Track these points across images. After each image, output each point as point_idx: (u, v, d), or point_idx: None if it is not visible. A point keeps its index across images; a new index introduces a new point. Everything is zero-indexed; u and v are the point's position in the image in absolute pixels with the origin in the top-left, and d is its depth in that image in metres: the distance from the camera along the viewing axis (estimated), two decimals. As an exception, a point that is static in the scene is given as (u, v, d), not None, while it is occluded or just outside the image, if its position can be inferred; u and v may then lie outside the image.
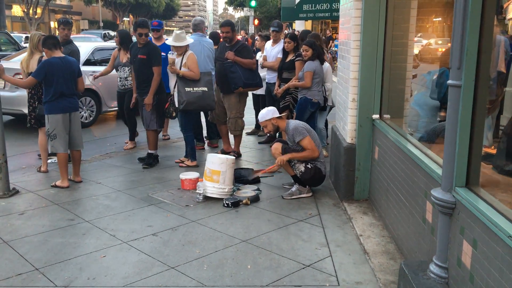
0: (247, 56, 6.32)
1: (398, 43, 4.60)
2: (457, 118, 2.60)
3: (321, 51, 6.16)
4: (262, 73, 7.61)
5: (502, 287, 2.15)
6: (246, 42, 22.32)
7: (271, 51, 7.48)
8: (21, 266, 3.60)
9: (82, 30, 41.19)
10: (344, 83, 5.19)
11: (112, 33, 34.12)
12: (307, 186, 5.10)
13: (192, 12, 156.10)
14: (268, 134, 7.62)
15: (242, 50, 6.29)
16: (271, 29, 7.58)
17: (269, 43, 7.67)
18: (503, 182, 3.03)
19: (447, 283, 2.71)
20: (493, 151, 3.36)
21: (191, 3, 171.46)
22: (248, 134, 8.21)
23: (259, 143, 7.61)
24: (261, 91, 7.75)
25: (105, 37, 30.72)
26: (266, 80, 7.49)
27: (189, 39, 6.21)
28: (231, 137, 6.82)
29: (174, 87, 6.04)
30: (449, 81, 2.60)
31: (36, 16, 40.59)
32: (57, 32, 7.24)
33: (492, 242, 2.25)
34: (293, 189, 5.11)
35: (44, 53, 5.47)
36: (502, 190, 2.90)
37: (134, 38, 6.78)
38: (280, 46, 7.35)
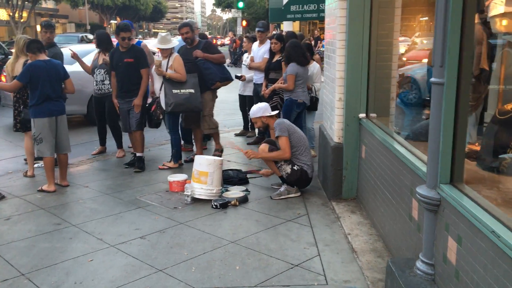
0: (215, 52, 6.36)
1: (383, 42, 4.63)
2: (440, 116, 2.62)
3: (303, 53, 6.15)
4: (250, 74, 7.62)
5: (487, 282, 2.17)
6: (234, 44, 22.30)
7: (258, 51, 7.50)
8: (7, 272, 3.56)
9: (62, 33, 40.17)
10: (330, 83, 5.20)
11: (91, 36, 33.41)
12: (295, 186, 5.11)
13: (180, 14, 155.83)
14: (257, 135, 7.66)
15: (208, 47, 6.33)
16: (256, 29, 7.61)
17: (255, 44, 7.69)
18: (487, 179, 3.06)
19: (434, 280, 2.73)
20: (477, 148, 3.39)
21: (179, 5, 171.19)
22: (236, 135, 8.21)
23: (248, 144, 7.60)
24: (248, 92, 7.76)
25: (83, 40, 30.01)
26: (254, 81, 7.50)
27: (175, 41, 6.19)
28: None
29: (160, 90, 6.02)
30: (432, 79, 2.62)
31: (22, 20, 40.25)
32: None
33: (476, 238, 2.27)
34: (282, 189, 5.12)
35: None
36: (486, 186, 2.93)
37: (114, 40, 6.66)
38: (266, 46, 7.36)
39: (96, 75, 6.76)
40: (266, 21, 8.17)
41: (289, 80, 6.11)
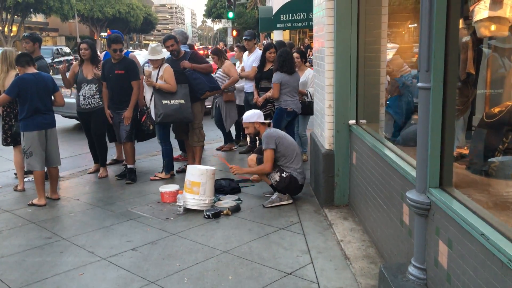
0: (202, 62, 6.35)
1: (371, 48, 4.66)
2: (428, 120, 2.63)
3: (288, 61, 6.19)
4: (240, 83, 7.65)
5: (477, 284, 2.17)
6: (225, 53, 22.37)
7: (247, 60, 7.55)
8: (-3, 287, 3.51)
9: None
10: (320, 90, 5.23)
11: (67, 49, 31.79)
12: (287, 193, 5.10)
13: (171, 25, 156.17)
14: (248, 145, 7.67)
15: (195, 58, 6.32)
16: (243, 38, 7.74)
17: (246, 54, 7.75)
18: (476, 182, 3.08)
19: (426, 284, 2.73)
20: (466, 151, 3.41)
21: (169, 17, 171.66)
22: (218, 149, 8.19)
23: (240, 153, 7.60)
24: (239, 102, 7.79)
25: (58, 53, 27.94)
26: (244, 90, 7.52)
27: (165, 52, 6.20)
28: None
29: (150, 100, 6.01)
30: (419, 84, 2.64)
31: (12, 34, 40.17)
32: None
33: (466, 241, 2.28)
34: (274, 197, 5.11)
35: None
36: (475, 189, 2.95)
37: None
38: (254, 55, 7.41)
39: (85, 89, 6.30)
40: (253, 30, 8.25)
41: (274, 88, 6.20)
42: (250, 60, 7.47)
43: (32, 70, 5.27)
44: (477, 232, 2.16)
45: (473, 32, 3.53)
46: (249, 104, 7.36)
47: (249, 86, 7.40)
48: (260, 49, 7.72)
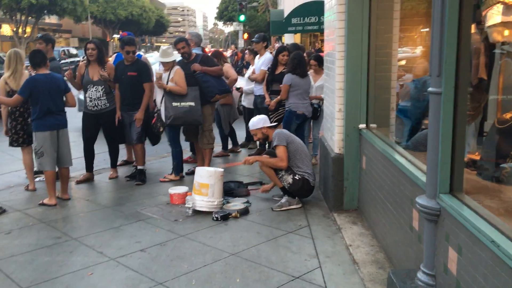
0: (212, 64, 6.33)
1: (382, 53, 4.65)
2: (439, 125, 2.61)
3: (300, 64, 6.20)
4: (250, 85, 7.68)
5: (487, 292, 2.15)
6: (236, 57, 22.45)
7: (257, 63, 7.58)
8: (7, 286, 3.54)
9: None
10: (330, 94, 5.22)
11: (74, 51, 31.48)
12: (296, 198, 5.09)
13: (182, 28, 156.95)
14: (258, 147, 7.66)
15: (206, 61, 6.31)
16: (252, 40, 7.82)
17: (258, 57, 7.78)
18: (487, 188, 3.05)
19: (435, 291, 2.70)
20: (477, 157, 3.38)
21: (181, 19, 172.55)
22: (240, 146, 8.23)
23: (249, 155, 7.59)
24: (248, 104, 7.82)
25: (64, 55, 27.90)
26: (254, 93, 7.55)
27: (176, 55, 6.23)
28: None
29: (161, 102, 6.04)
30: (430, 89, 2.62)
31: (25, 35, 40.61)
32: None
33: (476, 247, 2.25)
34: (283, 200, 5.10)
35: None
36: (486, 196, 2.92)
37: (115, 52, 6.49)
38: (263, 58, 7.43)
39: (91, 91, 6.19)
40: (263, 33, 8.26)
41: (282, 89, 6.23)
42: (260, 63, 7.49)
43: (44, 70, 5.32)
44: (487, 239, 2.14)
45: (485, 37, 3.50)
46: (258, 107, 7.39)
47: (258, 89, 7.42)
48: (271, 52, 7.75)
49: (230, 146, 7.94)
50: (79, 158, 6.68)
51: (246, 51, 9.25)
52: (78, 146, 6.97)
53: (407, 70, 6.01)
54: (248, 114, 7.86)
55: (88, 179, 6.38)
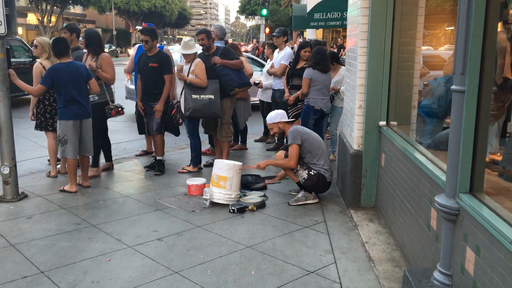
0: (233, 58, 6.31)
1: (405, 50, 4.59)
2: (461, 124, 2.58)
3: (323, 60, 6.18)
4: (269, 80, 7.68)
5: (505, 294, 2.12)
6: (257, 51, 22.45)
7: (277, 58, 7.57)
8: (27, 269, 3.63)
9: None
10: (351, 90, 5.18)
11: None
12: (313, 193, 5.09)
13: (204, 21, 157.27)
14: (276, 142, 7.67)
15: (226, 54, 6.29)
16: (272, 35, 7.82)
17: (276, 51, 7.76)
18: (508, 189, 3.00)
19: (451, 291, 2.68)
20: (499, 158, 3.33)
21: (203, 12, 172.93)
22: (256, 141, 8.24)
23: (267, 150, 7.62)
24: (266, 99, 7.82)
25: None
26: (272, 87, 7.55)
27: (198, 47, 6.25)
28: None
29: (181, 94, 6.08)
30: (453, 87, 2.59)
31: (50, 24, 41.24)
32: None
33: (495, 248, 2.23)
34: (299, 195, 5.10)
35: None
36: (507, 197, 2.87)
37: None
38: (284, 52, 7.42)
39: None
40: (283, 28, 8.23)
41: (303, 83, 6.25)
42: (279, 57, 7.48)
43: (66, 59, 5.37)
44: (506, 240, 2.11)
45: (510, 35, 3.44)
46: (276, 102, 7.39)
47: (276, 83, 7.41)
48: (292, 47, 7.73)
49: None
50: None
51: (266, 45, 9.23)
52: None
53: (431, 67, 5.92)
54: (266, 108, 7.87)
55: (109, 168, 6.47)
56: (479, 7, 2.47)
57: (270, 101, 7.70)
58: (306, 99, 6.32)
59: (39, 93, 5.55)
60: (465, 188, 2.63)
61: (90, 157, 6.01)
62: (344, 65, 6.88)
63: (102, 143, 6.25)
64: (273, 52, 7.91)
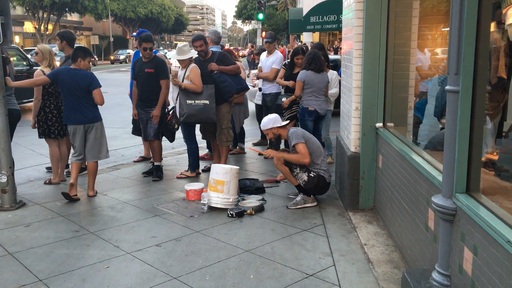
0: (229, 63, 6.29)
1: (400, 51, 4.61)
2: (456, 124, 2.58)
3: (316, 61, 6.19)
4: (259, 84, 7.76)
5: (502, 293, 2.12)
6: (252, 55, 22.49)
7: (266, 61, 7.58)
8: (25, 277, 3.61)
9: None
10: (347, 92, 5.19)
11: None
12: (311, 196, 5.09)
13: (201, 26, 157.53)
14: (268, 146, 7.68)
15: (223, 59, 6.27)
16: (264, 40, 7.85)
17: (263, 54, 7.79)
18: (505, 189, 3.00)
19: (450, 291, 2.68)
20: (495, 157, 3.33)
21: (200, 17, 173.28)
22: (254, 144, 8.25)
23: (259, 154, 7.61)
24: (259, 101, 7.87)
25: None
26: (262, 91, 7.57)
27: (193, 52, 6.25)
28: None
29: (176, 99, 6.08)
30: (447, 87, 2.60)
31: (47, 32, 41.30)
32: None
33: (492, 248, 2.23)
34: (298, 198, 5.10)
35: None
36: (503, 196, 2.87)
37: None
38: (274, 56, 7.45)
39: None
40: (273, 33, 8.31)
41: (296, 86, 6.28)
42: (269, 61, 7.50)
43: (74, 66, 5.38)
44: (503, 239, 2.11)
45: (506, 36, 3.44)
46: (267, 105, 7.43)
47: (266, 88, 7.44)
48: (288, 50, 7.76)
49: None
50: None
51: (252, 55, 9.34)
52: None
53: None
54: (259, 111, 7.94)
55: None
56: (472, 7, 2.48)
57: (260, 103, 7.80)
58: (300, 102, 6.34)
59: (41, 82, 5.55)
60: (462, 188, 2.63)
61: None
62: (331, 69, 6.93)
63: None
64: (259, 54, 7.99)
